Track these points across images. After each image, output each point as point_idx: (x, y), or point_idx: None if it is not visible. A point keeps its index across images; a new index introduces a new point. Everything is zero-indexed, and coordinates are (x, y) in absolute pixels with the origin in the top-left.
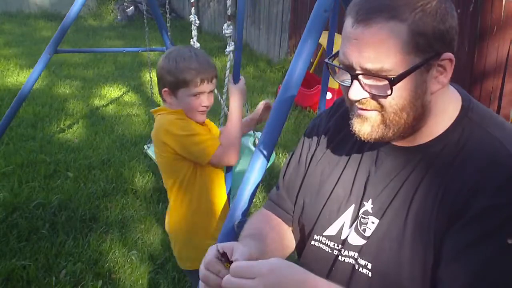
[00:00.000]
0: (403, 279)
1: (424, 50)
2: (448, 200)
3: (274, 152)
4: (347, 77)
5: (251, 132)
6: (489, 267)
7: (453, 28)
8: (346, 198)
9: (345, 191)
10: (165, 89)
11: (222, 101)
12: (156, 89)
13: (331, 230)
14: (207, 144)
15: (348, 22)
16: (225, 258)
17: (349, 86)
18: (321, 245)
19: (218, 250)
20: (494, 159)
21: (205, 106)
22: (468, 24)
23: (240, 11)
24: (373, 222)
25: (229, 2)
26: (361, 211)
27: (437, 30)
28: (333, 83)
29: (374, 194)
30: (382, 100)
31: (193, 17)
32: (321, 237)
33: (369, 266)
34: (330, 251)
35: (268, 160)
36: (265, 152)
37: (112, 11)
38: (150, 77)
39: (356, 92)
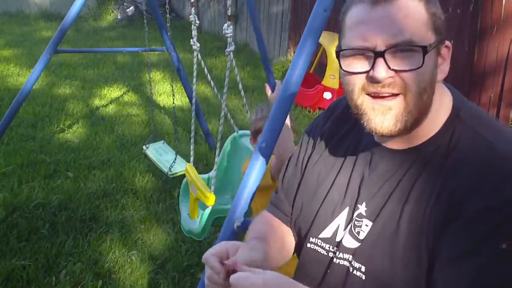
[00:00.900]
0: (396, 282)
1: (438, 31)
2: (441, 203)
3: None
4: (364, 62)
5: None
6: (484, 273)
7: (443, 20)
8: (341, 201)
9: (339, 194)
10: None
11: (222, 102)
12: (155, 89)
13: (326, 233)
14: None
15: (360, 8)
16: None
17: (370, 70)
18: (316, 247)
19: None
20: (486, 161)
21: None
22: (468, 24)
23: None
24: (367, 225)
25: (229, 2)
26: (355, 214)
27: (441, 16)
28: (333, 83)
29: (368, 197)
30: (408, 78)
31: (193, 17)
32: (316, 239)
33: (363, 269)
34: (326, 253)
35: (267, 160)
36: (265, 152)
37: (112, 11)
38: (150, 77)
39: (382, 71)
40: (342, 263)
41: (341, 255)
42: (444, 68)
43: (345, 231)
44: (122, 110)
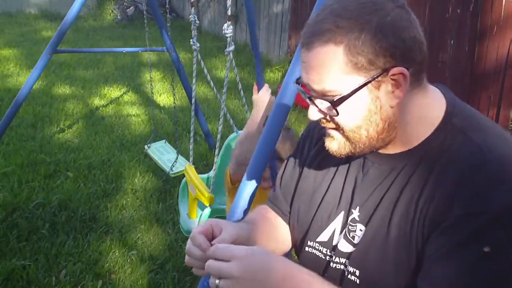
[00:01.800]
0: (389, 287)
1: (366, 69)
2: (427, 208)
3: None
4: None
5: None
6: (466, 275)
7: (406, 40)
8: (336, 205)
9: (334, 198)
10: None
11: (222, 102)
12: (155, 89)
13: (323, 237)
14: None
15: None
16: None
17: None
18: (314, 251)
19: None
20: (473, 165)
21: None
22: (468, 24)
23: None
24: (360, 230)
25: (229, 2)
26: (349, 219)
27: (379, 47)
28: None
29: (361, 201)
30: (336, 120)
31: (193, 17)
32: (314, 243)
33: (357, 273)
34: (323, 257)
35: (267, 160)
36: (265, 152)
37: (112, 11)
38: (150, 77)
39: (312, 113)
40: (338, 267)
41: (337, 259)
42: (398, 94)
43: (340, 236)
44: (122, 110)
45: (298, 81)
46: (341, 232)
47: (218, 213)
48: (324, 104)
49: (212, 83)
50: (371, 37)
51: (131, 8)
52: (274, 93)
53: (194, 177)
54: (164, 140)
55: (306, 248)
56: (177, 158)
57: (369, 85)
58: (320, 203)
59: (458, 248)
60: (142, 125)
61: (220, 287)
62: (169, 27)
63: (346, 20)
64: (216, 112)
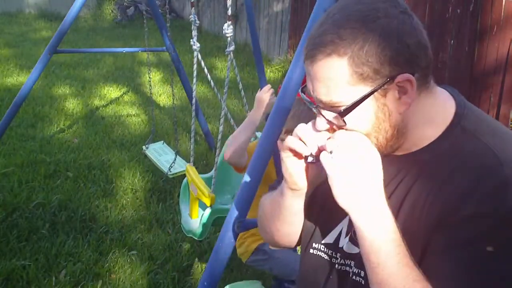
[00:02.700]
0: None
1: (372, 78)
2: (435, 209)
3: None
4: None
5: None
6: (468, 273)
7: (411, 46)
8: None
9: None
10: None
11: (222, 102)
12: (155, 89)
13: (329, 239)
14: None
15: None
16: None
17: None
18: (319, 253)
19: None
20: (483, 168)
21: None
22: (468, 24)
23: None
24: None
25: (229, 2)
26: None
27: (384, 56)
28: None
29: None
30: (345, 128)
31: (193, 17)
32: (319, 245)
33: (362, 274)
34: (328, 259)
35: (267, 160)
36: (265, 153)
37: (112, 11)
38: (150, 77)
39: (320, 124)
40: (343, 269)
41: (342, 261)
42: (406, 100)
43: (346, 237)
44: (122, 110)
45: (303, 89)
46: (347, 234)
47: (219, 213)
48: (331, 115)
49: (212, 83)
50: (375, 46)
51: (131, 8)
52: (274, 93)
53: (195, 177)
54: (162, 141)
55: (311, 250)
56: (175, 159)
57: (375, 93)
58: (326, 204)
59: (463, 246)
60: (142, 125)
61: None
62: (169, 27)
63: (350, 31)
64: (216, 112)
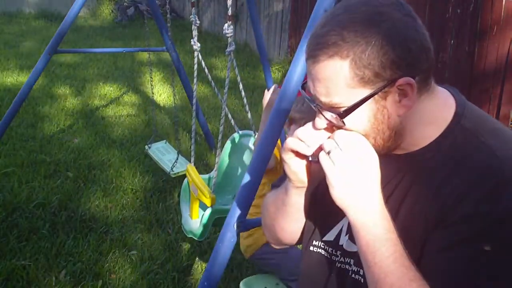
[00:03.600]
0: None
1: (373, 81)
2: (434, 208)
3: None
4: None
5: (251, 132)
6: (465, 272)
7: (413, 50)
8: None
9: None
10: None
11: (222, 102)
12: (155, 89)
13: (329, 236)
14: None
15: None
16: None
17: None
18: (320, 250)
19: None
20: (483, 168)
21: None
22: (468, 24)
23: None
24: None
25: (229, 2)
26: None
27: (385, 60)
28: None
29: None
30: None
31: (193, 17)
32: (320, 242)
33: (361, 272)
34: (329, 257)
35: (268, 160)
36: (265, 152)
37: (112, 11)
38: (150, 77)
39: (319, 123)
40: (343, 267)
41: (342, 259)
42: (406, 103)
43: (346, 236)
44: (122, 110)
45: (304, 86)
46: (347, 233)
47: (219, 214)
48: (331, 115)
49: (213, 83)
50: (378, 50)
51: (131, 8)
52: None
53: (195, 178)
54: (164, 141)
55: (311, 248)
56: (177, 159)
57: (376, 95)
58: (326, 202)
59: (462, 245)
60: (142, 125)
61: (331, 155)
62: (169, 27)
63: (353, 33)
64: (216, 112)
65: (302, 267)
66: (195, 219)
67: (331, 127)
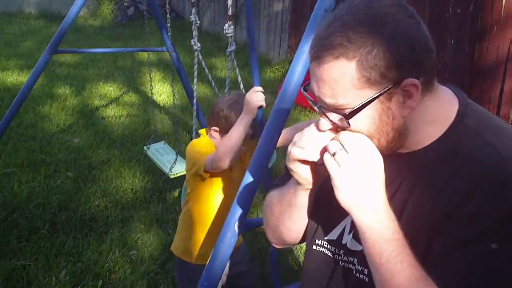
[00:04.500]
0: None
1: (379, 82)
2: (438, 208)
3: (275, 153)
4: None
5: None
6: (471, 270)
7: (417, 51)
8: None
9: None
10: (216, 128)
11: None
12: (155, 89)
13: (332, 235)
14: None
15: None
16: None
17: None
18: (323, 249)
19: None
20: (486, 167)
21: None
22: (468, 24)
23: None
24: None
25: (229, 2)
26: None
27: (391, 60)
28: None
29: None
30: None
31: (193, 17)
32: (323, 241)
33: (366, 271)
34: (332, 256)
35: (268, 160)
36: (265, 153)
37: (112, 11)
38: (150, 77)
39: (323, 124)
40: (347, 266)
41: (346, 258)
42: (410, 104)
43: (350, 235)
44: (122, 110)
45: (306, 88)
46: (350, 232)
47: None
48: (335, 116)
49: (213, 83)
50: (384, 50)
51: (131, 8)
52: (274, 92)
53: None
54: (163, 141)
55: (314, 247)
56: (176, 160)
57: (381, 97)
58: (329, 201)
59: (467, 243)
60: (142, 125)
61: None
62: (169, 27)
63: (358, 34)
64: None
65: (305, 266)
66: None
67: (335, 129)
